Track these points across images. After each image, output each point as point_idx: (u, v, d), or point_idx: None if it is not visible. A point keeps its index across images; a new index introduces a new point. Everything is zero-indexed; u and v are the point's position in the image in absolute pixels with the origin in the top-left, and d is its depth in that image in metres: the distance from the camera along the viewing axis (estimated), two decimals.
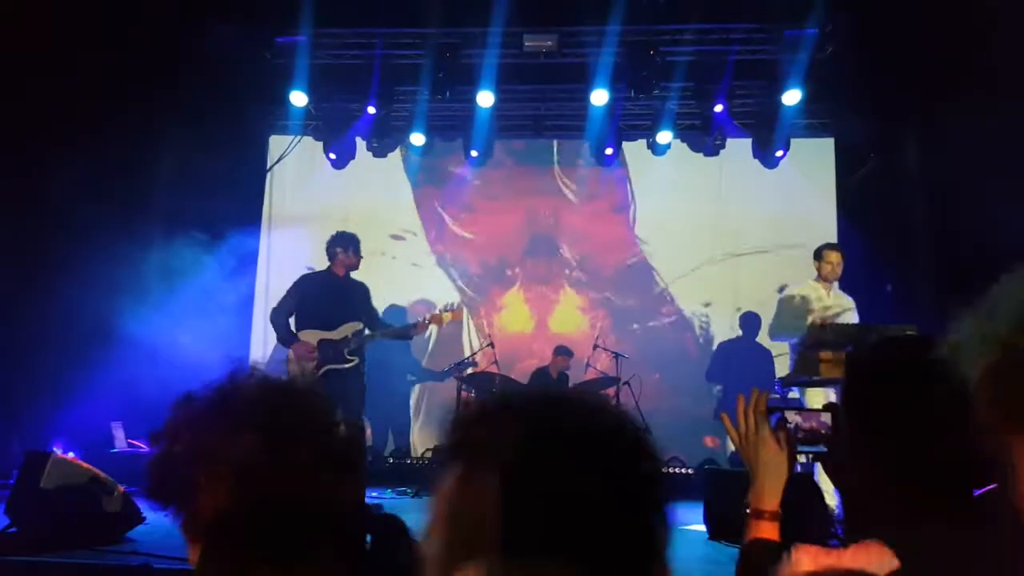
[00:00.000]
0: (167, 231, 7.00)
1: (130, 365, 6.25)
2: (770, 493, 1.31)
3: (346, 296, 5.38)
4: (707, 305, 7.83)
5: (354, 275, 5.54)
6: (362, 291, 5.50)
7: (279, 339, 5.50)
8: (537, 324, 7.93)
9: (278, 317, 5.43)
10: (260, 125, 8.28)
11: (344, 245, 5.41)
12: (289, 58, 7.48)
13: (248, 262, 7.89)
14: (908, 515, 0.96)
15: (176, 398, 0.93)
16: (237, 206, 7.78)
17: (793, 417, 1.46)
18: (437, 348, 7.96)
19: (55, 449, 5.80)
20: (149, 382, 6.18)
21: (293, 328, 5.35)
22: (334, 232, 5.56)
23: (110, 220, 6.05)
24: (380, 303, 7.65)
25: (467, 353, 7.58)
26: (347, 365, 5.22)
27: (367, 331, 5.37)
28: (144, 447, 6.17)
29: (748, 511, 1.33)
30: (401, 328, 5.69)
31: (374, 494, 6.21)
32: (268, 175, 8.39)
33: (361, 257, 5.50)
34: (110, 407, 6.27)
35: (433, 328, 7.22)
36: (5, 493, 4.10)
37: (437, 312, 5.71)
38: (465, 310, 6.11)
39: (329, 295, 5.36)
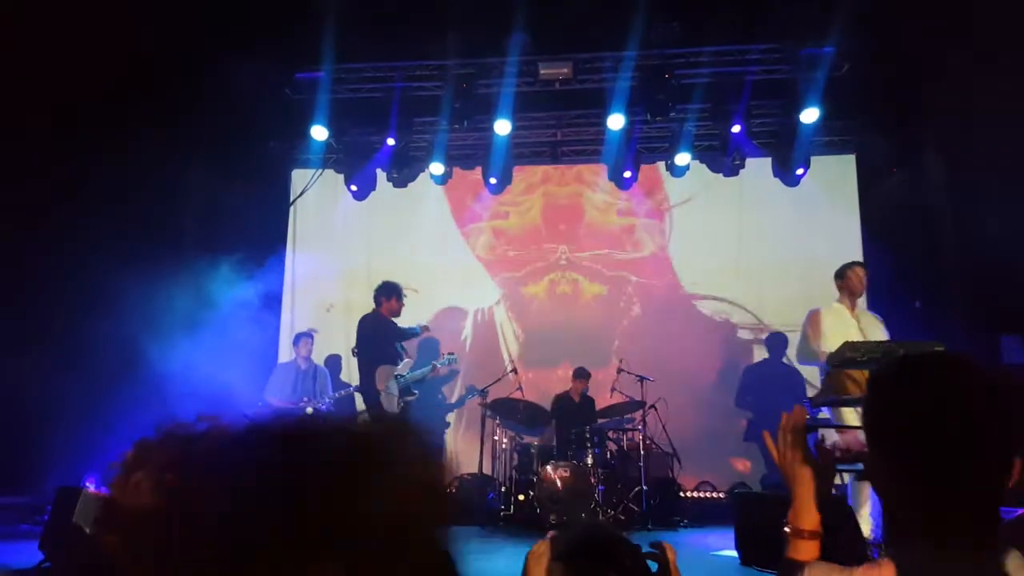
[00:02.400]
0: (195, 265, 7.12)
1: (160, 398, 6.33)
2: (809, 511, 1.29)
3: (392, 336, 5.95)
4: (732, 326, 7.74)
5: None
6: (399, 330, 6.07)
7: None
8: (553, 347, 7.88)
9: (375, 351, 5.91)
10: (282, 160, 8.44)
11: (388, 294, 5.98)
12: (309, 94, 7.65)
13: (274, 293, 7.99)
14: (925, 536, 0.94)
15: None
16: (262, 239, 7.91)
17: (832, 435, 1.44)
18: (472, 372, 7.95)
19: (87, 485, 5.87)
20: (178, 415, 6.24)
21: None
22: (380, 282, 6.11)
23: (138, 255, 6.18)
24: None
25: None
26: (411, 398, 5.87)
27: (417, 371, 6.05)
28: None
29: (787, 530, 1.31)
30: (421, 372, 6.15)
31: None
32: (292, 208, 8.52)
33: (403, 304, 6.04)
34: (140, 438, 6.33)
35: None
36: (39, 529, 4.14)
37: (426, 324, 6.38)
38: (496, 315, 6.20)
39: (390, 336, 5.95)
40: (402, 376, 5.82)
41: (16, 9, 5.23)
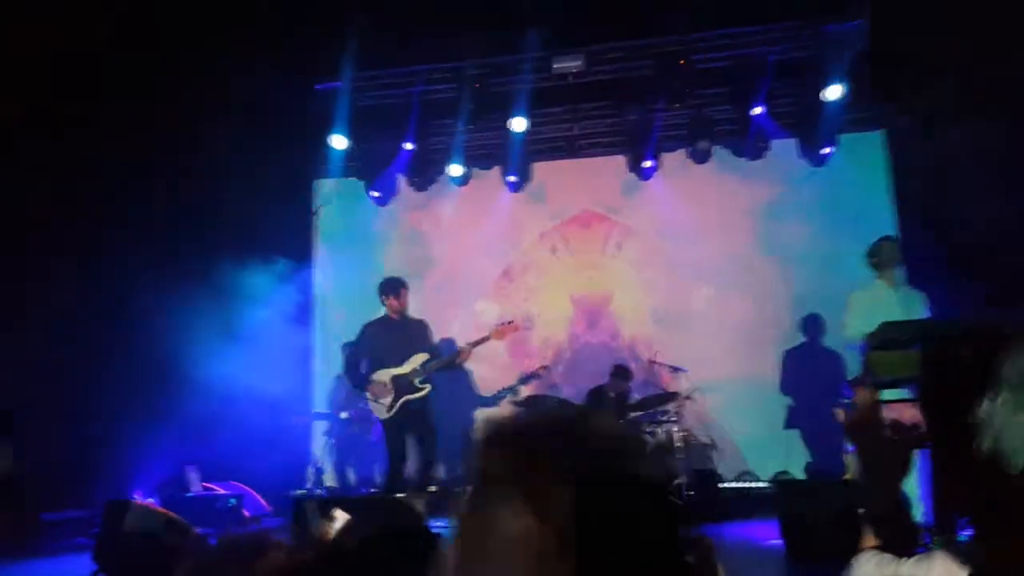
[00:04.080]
0: (225, 278, 7.21)
1: (199, 409, 6.42)
2: (884, 493, 1.23)
3: (407, 334, 5.74)
4: (765, 311, 7.59)
5: (414, 315, 5.91)
6: (422, 327, 5.85)
7: (353, 386, 5.91)
8: (596, 332, 7.80)
9: (348, 367, 5.85)
10: (304, 170, 8.49)
11: (386, 292, 5.75)
12: (328, 104, 7.70)
13: (304, 301, 8.07)
14: (985, 524, 0.87)
15: None
16: (288, 250, 7.96)
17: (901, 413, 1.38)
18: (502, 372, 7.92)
19: (135, 496, 6.00)
20: (218, 424, 6.37)
21: (364, 372, 5.73)
22: (380, 280, 5.90)
23: (168, 270, 6.28)
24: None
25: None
26: (420, 393, 5.59)
27: (432, 361, 5.69)
28: (218, 489, 6.33)
29: (863, 515, 1.25)
30: (448, 358, 5.82)
31: (439, 524, 6.18)
32: (315, 218, 8.57)
33: (401, 297, 5.76)
34: (184, 451, 6.46)
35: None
36: (93, 542, 4.27)
37: (478, 338, 5.86)
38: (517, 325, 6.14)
39: (391, 336, 5.71)
40: (402, 375, 5.60)
41: (50, 21, 5.33)
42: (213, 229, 7.44)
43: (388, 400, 5.57)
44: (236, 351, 6.66)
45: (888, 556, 0.89)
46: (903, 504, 1.20)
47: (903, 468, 1.23)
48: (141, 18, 5.82)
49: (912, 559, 0.85)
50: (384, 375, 5.61)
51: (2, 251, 5.51)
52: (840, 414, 1.39)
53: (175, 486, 6.43)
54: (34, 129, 5.59)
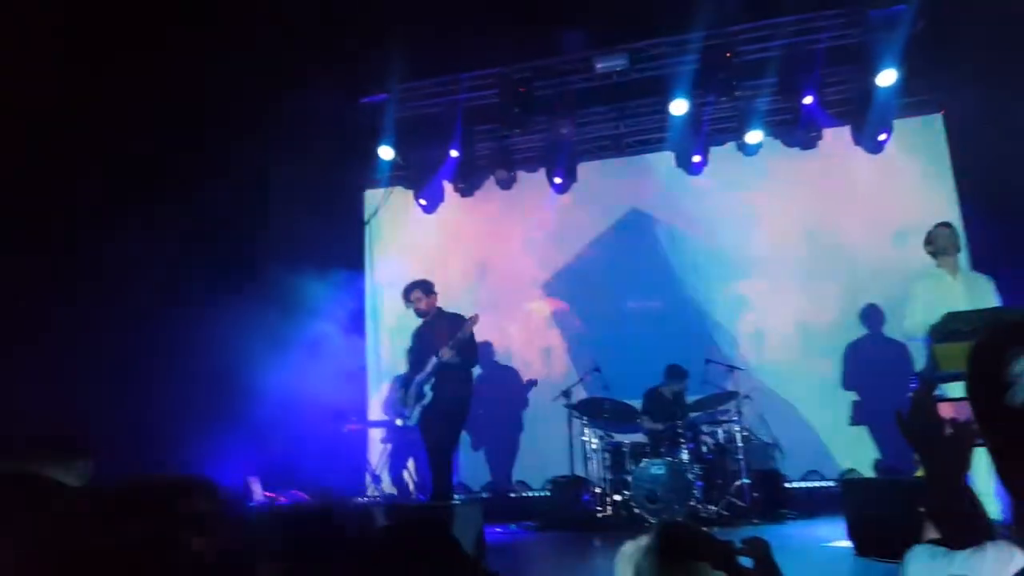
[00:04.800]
0: (279, 292, 7.38)
1: (259, 419, 6.59)
2: (942, 489, 1.20)
3: (430, 334, 5.64)
4: (824, 304, 7.37)
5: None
6: (447, 323, 5.62)
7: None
8: (649, 330, 7.71)
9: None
10: (354, 182, 8.66)
11: (407, 295, 5.75)
12: (374, 116, 7.85)
13: (356, 310, 8.21)
14: None
15: None
16: (340, 261, 8.12)
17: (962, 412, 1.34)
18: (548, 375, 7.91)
19: None
20: (277, 434, 6.54)
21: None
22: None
23: (226, 280, 6.48)
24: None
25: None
26: (426, 400, 5.53)
27: (443, 357, 5.46)
28: (280, 497, 6.49)
29: (924, 511, 1.22)
30: (458, 340, 5.50)
31: (498, 529, 6.21)
32: (366, 228, 8.73)
33: (416, 304, 5.69)
34: (245, 461, 6.64)
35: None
36: None
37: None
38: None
39: (416, 340, 5.76)
40: (416, 378, 5.56)
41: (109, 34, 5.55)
42: (268, 242, 7.64)
43: (409, 411, 5.61)
44: (293, 361, 6.81)
45: (942, 549, 0.87)
46: (964, 499, 1.15)
47: (961, 463, 1.19)
48: (194, 40, 6.01)
49: (967, 550, 0.83)
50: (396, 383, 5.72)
51: (73, 269, 5.74)
52: (899, 416, 1.35)
53: (238, 495, 6.61)
54: (90, 147, 5.82)
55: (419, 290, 5.70)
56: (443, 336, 5.50)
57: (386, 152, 7.90)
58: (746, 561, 1.31)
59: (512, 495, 7.56)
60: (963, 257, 4.70)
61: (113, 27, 5.64)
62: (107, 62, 5.70)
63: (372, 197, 8.74)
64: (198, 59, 6.10)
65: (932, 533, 1.13)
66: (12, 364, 4.79)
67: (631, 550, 1.25)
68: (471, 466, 7.79)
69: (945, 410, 1.24)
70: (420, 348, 5.69)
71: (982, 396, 0.91)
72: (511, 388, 7.94)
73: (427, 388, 5.52)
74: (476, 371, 7.99)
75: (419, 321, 5.90)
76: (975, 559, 0.82)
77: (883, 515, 3.39)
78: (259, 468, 6.72)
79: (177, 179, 6.32)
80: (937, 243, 4.56)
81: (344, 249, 8.38)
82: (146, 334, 6.28)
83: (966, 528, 0.94)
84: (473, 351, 5.67)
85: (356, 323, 8.22)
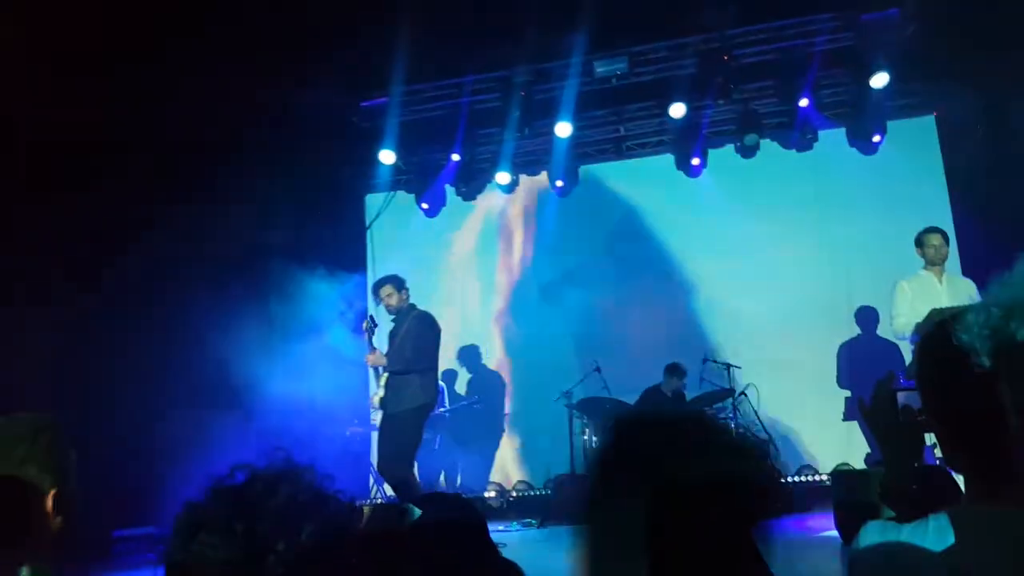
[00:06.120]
0: (283, 296, 7.48)
1: (262, 424, 6.69)
2: (896, 472, 1.32)
3: (393, 337, 5.35)
4: (820, 305, 7.49)
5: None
6: (408, 325, 5.30)
7: None
8: (648, 331, 7.81)
9: None
10: (355, 186, 8.75)
11: (376, 291, 5.44)
12: (375, 120, 7.93)
13: (359, 313, 8.27)
14: (976, 493, 0.96)
15: None
16: (344, 265, 8.21)
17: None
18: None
19: None
20: (282, 438, 6.61)
21: None
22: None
23: (228, 286, 6.57)
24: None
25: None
26: (381, 409, 5.22)
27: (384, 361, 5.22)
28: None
29: (879, 495, 1.34)
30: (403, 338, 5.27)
31: (500, 527, 6.31)
32: (368, 232, 8.82)
33: (385, 296, 5.35)
34: (249, 465, 6.71)
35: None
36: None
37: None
38: None
39: (389, 341, 5.39)
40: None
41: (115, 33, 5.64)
42: (272, 247, 7.74)
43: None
44: (297, 365, 6.92)
45: (892, 524, 0.98)
46: (916, 482, 1.27)
47: (913, 449, 1.31)
48: (194, 42, 6.08)
49: (912, 523, 0.94)
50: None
51: (70, 271, 5.81)
52: (861, 403, 1.45)
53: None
54: (93, 152, 5.91)
55: (390, 285, 5.31)
56: (411, 335, 5.17)
57: (387, 156, 7.95)
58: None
59: (514, 494, 7.69)
60: (953, 259, 4.79)
61: (118, 30, 5.74)
62: (110, 64, 5.79)
63: (374, 201, 8.84)
64: (200, 63, 6.18)
65: (886, 513, 1.25)
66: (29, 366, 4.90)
67: None
68: (472, 466, 7.90)
69: (905, 398, 1.36)
70: (390, 347, 5.34)
71: (928, 386, 1.02)
72: (511, 389, 8.07)
73: (384, 391, 5.17)
74: (468, 375, 8.16)
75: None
76: (920, 527, 0.93)
77: (868, 505, 3.51)
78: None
79: (181, 183, 6.42)
80: (927, 248, 4.66)
81: (347, 253, 8.47)
82: (148, 338, 6.37)
83: (919, 506, 1.04)
84: (422, 352, 5.19)
85: (358, 327, 8.30)
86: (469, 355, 8.22)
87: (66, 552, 1.48)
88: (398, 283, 5.35)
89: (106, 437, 5.54)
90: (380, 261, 8.77)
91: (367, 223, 8.83)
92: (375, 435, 8.08)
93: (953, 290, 4.48)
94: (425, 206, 8.45)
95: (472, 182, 8.45)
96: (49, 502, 1.38)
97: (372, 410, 5.32)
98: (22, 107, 5.21)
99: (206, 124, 6.55)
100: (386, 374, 5.21)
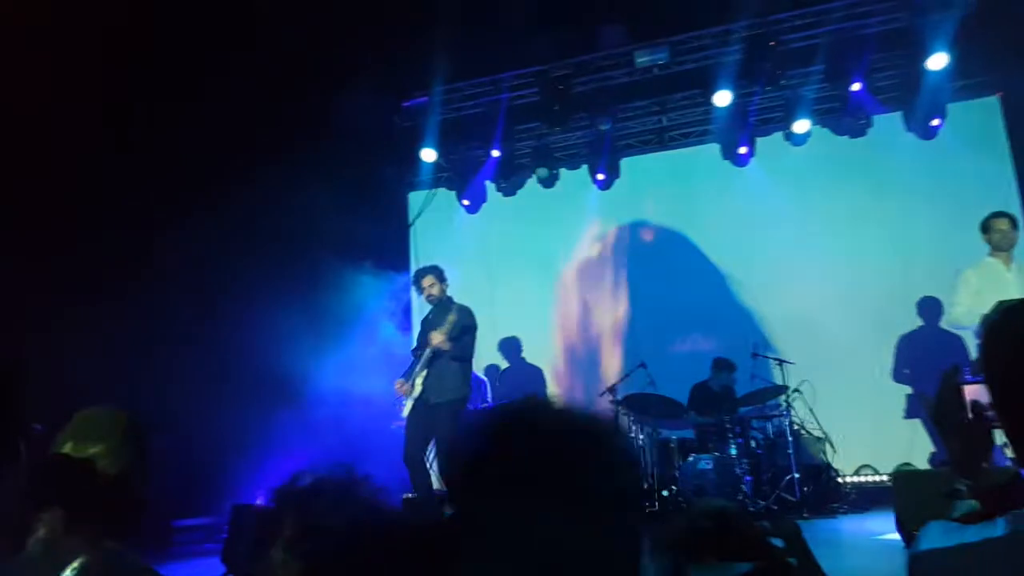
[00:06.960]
0: (330, 294, 7.55)
1: (312, 417, 6.76)
2: (964, 467, 1.20)
3: (428, 325, 5.36)
4: (877, 296, 7.17)
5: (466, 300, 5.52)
6: (443, 310, 5.29)
7: None
8: (694, 325, 7.64)
9: None
10: (397, 185, 8.80)
11: (418, 280, 5.46)
12: (416, 119, 7.96)
13: (404, 311, 8.34)
14: None
15: None
16: (388, 263, 8.27)
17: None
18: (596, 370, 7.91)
19: (258, 501, 6.39)
20: (330, 430, 6.70)
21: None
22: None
23: (277, 282, 6.68)
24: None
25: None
26: (416, 394, 5.19)
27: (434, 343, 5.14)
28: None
29: (947, 494, 1.23)
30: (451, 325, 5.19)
31: None
32: (411, 230, 8.86)
33: (439, 282, 5.34)
34: (300, 457, 6.83)
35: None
36: (220, 547, 4.59)
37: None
38: None
39: (421, 327, 5.53)
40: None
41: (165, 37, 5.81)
42: (319, 244, 7.82)
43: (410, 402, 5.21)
44: (344, 360, 6.98)
45: (955, 524, 0.88)
46: (984, 480, 1.16)
47: (982, 448, 1.19)
48: (246, 47, 6.20)
49: (979, 524, 0.84)
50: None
51: (130, 272, 5.99)
52: (925, 399, 1.36)
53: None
54: (152, 158, 6.08)
55: (432, 275, 5.34)
56: (458, 325, 5.15)
57: (428, 155, 8.00)
58: (777, 543, 1.32)
59: None
60: (1021, 245, 4.50)
61: (174, 39, 5.89)
62: (165, 64, 5.95)
63: (416, 199, 8.87)
64: (253, 67, 6.31)
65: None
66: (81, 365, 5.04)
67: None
68: None
69: (971, 394, 1.24)
70: (422, 336, 5.34)
71: (996, 380, 0.92)
72: (553, 385, 7.98)
73: (419, 380, 5.15)
74: (510, 370, 8.11)
75: None
76: (987, 529, 0.83)
77: (933, 507, 3.32)
78: (314, 464, 6.89)
79: (234, 181, 6.55)
80: (993, 233, 4.41)
81: (391, 250, 8.53)
82: (208, 333, 6.53)
83: (987, 507, 0.94)
84: (465, 343, 5.21)
85: (404, 322, 8.35)
86: (510, 350, 8.18)
87: (131, 540, 1.51)
88: (439, 273, 5.42)
89: (167, 428, 5.68)
90: (423, 258, 8.78)
91: (410, 220, 8.87)
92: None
93: (1023, 277, 4.21)
94: (466, 202, 8.45)
95: (512, 177, 8.40)
96: (120, 490, 1.41)
97: (405, 399, 5.23)
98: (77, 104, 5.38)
99: (257, 126, 6.68)
100: (424, 371, 5.20)
